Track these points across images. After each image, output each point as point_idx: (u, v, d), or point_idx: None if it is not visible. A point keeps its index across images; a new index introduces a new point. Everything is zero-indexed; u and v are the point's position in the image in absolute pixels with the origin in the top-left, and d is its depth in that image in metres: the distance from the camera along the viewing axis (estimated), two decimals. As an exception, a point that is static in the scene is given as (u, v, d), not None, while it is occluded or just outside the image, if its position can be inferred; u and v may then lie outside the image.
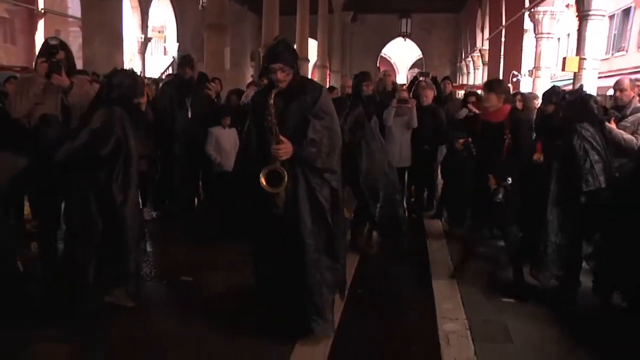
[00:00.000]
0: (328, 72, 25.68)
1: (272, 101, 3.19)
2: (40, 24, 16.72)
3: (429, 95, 7.09)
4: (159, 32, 24.16)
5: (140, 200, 4.98)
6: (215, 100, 7.37)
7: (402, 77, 39.70)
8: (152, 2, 19.39)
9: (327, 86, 15.84)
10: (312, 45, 23.45)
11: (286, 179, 3.19)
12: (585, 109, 4.35)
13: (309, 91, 3.35)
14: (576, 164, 4.12)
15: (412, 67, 40.08)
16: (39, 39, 16.42)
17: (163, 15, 21.58)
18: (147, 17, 18.92)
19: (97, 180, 3.81)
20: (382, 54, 34.00)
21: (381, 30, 30.44)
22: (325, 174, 3.35)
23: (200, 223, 6.43)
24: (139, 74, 11.44)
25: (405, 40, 29.72)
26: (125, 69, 4.89)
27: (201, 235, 5.87)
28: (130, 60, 19.27)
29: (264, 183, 3.19)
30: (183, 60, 6.55)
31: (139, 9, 18.31)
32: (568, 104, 4.43)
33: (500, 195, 4.40)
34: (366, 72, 6.02)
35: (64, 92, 4.16)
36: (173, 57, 21.18)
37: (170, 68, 20.72)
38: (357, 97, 5.58)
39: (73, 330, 3.63)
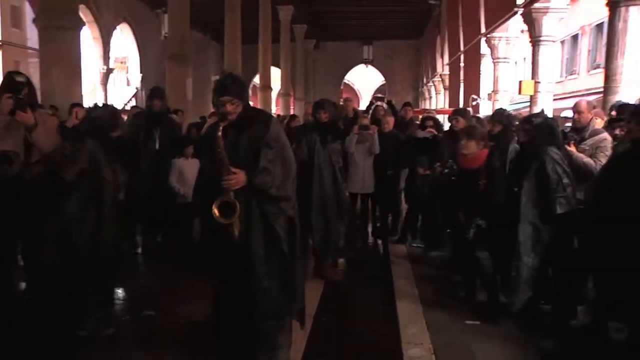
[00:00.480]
0: (292, 99, 25.86)
1: (219, 133, 3.20)
2: (-2, 56, 16.54)
3: (390, 122, 7.22)
4: (122, 62, 24.01)
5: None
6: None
7: (365, 103, 40.19)
8: (114, 33, 19.27)
9: (291, 113, 15.95)
10: (276, 73, 23.62)
11: (238, 210, 3.19)
12: (553, 132, 4.47)
13: (258, 122, 3.39)
14: (550, 187, 4.19)
15: (375, 92, 40.64)
16: (-3, 71, 16.26)
17: (125, 45, 21.45)
18: (109, 48, 18.75)
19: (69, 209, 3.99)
20: (345, 81, 34.48)
21: (344, 57, 30.92)
22: (280, 202, 3.36)
23: (165, 254, 6.34)
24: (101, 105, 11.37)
25: (367, 66, 30.23)
26: (106, 104, 4.97)
27: (166, 266, 5.78)
28: (92, 91, 19.07)
29: (217, 214, 3.18)
30: (153, 92, 6.52)
31: (100, 39, 18.15)
32: (536, 128, 4.47)
33: (471, 233, 4.45)
34: (323, 100, 6.11)
35: (28, 130, 4.05)
36: (136, 88, 21.03)
37: (134, 99, 20.56)
38: (314, 124, 5.73)
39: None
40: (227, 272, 3.44)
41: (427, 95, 28.64)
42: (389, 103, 8.23)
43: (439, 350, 3.86)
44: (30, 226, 4.08)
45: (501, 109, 6.46)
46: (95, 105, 4.69)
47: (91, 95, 17.71)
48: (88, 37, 17.79)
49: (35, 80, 7.83)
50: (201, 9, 16.36)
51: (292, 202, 3.44)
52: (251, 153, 3.30)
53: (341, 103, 7.80)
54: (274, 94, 23.18)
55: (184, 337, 4.06)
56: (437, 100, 25.04)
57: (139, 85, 20.59)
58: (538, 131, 4.45)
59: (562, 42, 22.68)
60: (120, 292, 5.08)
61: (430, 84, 26.86)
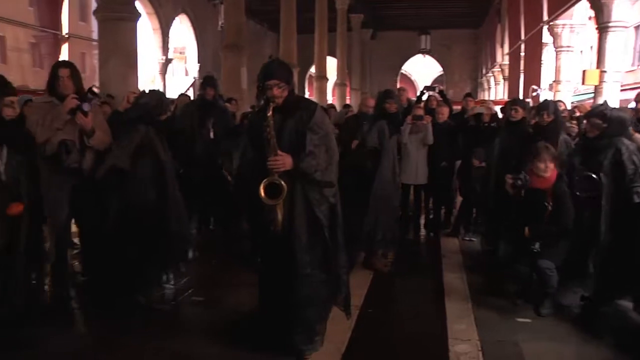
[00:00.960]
0: (348, 89, 25.72)
1: (269, 113, 3.23)
2: (65, 47, 17.20)
3: (444, 112, 7.05)
4: (180, 53, 24.50)
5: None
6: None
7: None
8: (173, 24, 19.70)
9: (346, 103, 15.83)
10: (332, 63, 23.54)
11: (285, 191, 3.21)
12: (624, 124, 4.38)
13: (303, 108, 3.41)
14: (626, 177, 4.12)
15: (432, 83, 39.97)
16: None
17: (184, 36, 21.89)
18: (168, 39, 19.21)
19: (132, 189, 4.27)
20: (402, 71, 33.96)
21: (401, 47, 30.43)
22: (324, 189, 3.36)
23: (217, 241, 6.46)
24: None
25: (424, 56, 29.67)
26: (153, 90, 5.08)
27: (218, 253, 5.90)
28: (152, 81, 19.60)
29: (263, 195, 3.21)
30: (205, 81, 6.50)
31: (160, 30, 18.61)
32: (609, 120, 4.32)
33: (537, 246, 4.26)
34: (390, 89, 6.00)
35: (86, 134, 4.17)
36: (194, 78, 21.43)
37: (192, 89, 21.00)
38: (380, 114, 5.62)
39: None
40: (270, 257, 3.49)
41: (485, 86, 27.87)
42: (440, 93, 8.00)
43: (486, 347, 3.74)
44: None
45: (547, 100, 6.20)
46: (143, 91, 4.82)
47: (151, 85, 18.18)
48: (148, 29, 18.28)
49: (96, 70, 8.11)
50: (258, -1, 16.50)
51: (334, 189, 3.43)
52: (296, 138, 3.32)
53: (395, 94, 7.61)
54: (330, 84, 23.09)
55: (225, 326, 4.08)
56: (496, 91, 24.33)
57: (196, 75, 20.98)
58: (610, 123, 4.31)
59: (636, 28, 21.48)
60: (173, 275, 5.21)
61: (490, 74, 26.10)
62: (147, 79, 19.48)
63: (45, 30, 16.43)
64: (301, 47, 17.82)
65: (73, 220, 4.69)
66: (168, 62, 19.35)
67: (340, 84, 23.54)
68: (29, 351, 3.59)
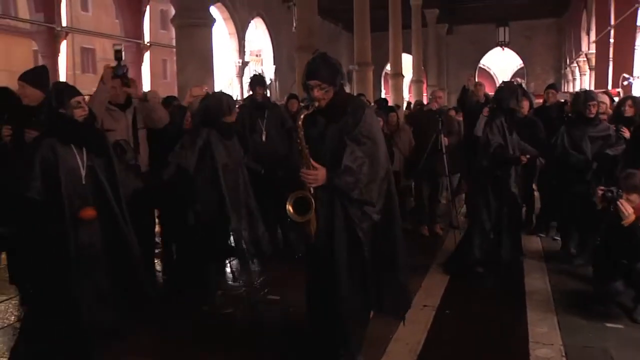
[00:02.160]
0: (425, 86, 25.32)
1: (300, 123, 2.94)
2: (147, 55, 18.12)
3: (525, 106, 6.74)
4: (257, 55, 25.04)
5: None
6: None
7: (502, 88, 38.18)
8: (249, 27, 20.17)
9: (427, 101, 15.41)
10: (407, 60, 23.25)
11: (312, 207, 2.93)
12: None
13: (350, 111, 3.05)
14: None
15: (512, 77, 38.56)
16: (145, 70, 17.89)
17: (259, 39, 22.35)
18: (244, 42, 19.70)
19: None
20: (480, 65, 32.96)
21: (478, 40, 29.55)
22: (365, 206, 3.03)
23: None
24: (235, 97, 11.86)
25: (503, 49, 28.65)
26: (216, 92, 5.20)
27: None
28: (229, 84, 20.17)
29: (291, 211, 2.95)
30: (254, 80, 6.09)
31: (235, 35, 19.11)
32: None
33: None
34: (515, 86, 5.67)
35: (141, 101, 4.56)
36: (270, 80, 21.84)
37: (268, 90, 21.41)
38: (501, 110, 5.28)
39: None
40: (314, 270, 3.25)
41: (570, 77, 26.49)
42: (519, 87, 7.66)
43: (571, 352, 3.52)
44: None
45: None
46: (207, 94, 4.91)
47: (228, 88, 18.70)
48: (224, 33, 18.81)
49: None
50: (332, -1, 16.54)
51: (378, 207, 3.07)
52: (339, 147, 2.99)
53: (471, 88, 7.37)
54: (406, 81, 22.81)
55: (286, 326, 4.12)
56: (581, 81, 23.06)
57: (272, 76, 21.35)
58: None
59: None
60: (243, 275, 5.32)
61: (574, 64, 24.79)
62: (225, 82, 20.05)
63: (129, 40, 17.35)
64: (376, 45, 17.72)
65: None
66: (245, 64, 19.83)
67: (416, 81, 23.24)
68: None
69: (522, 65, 31.59)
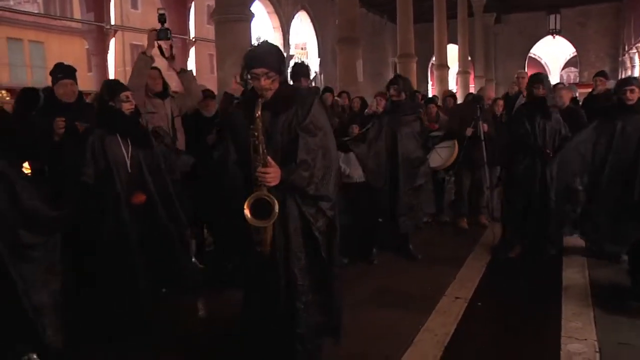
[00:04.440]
0: (472, 77, 24.82)
1: (259, 113, 2.61)
2: (192, 50, 18.56)
3: (566, 97, 6.58)
4: (302, 48, 25.15)
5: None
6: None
7: (554, 78, 37.00)
8: (294, 21, 20.30)
9: (473, 92, 15.08)
10: (454, 51, 22.85)
11: (276, 209, 2.61)
12: None
13: (298, 101, 2.78)
14: None
15: (565, 66, 37.25)
16: (191, 65, 18.36)
17: (304, 32, 22.44)
18: (289, 36, 19.84)
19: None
20: (530, 54, 31.99)
21: (528, 29, 28.63)
22: (320, 202, 2.81)
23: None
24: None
25: (554, 37, 27.72)
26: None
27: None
28: (275, 78, 20.36)
29: (249, 215, 2.62)
30: (297, 70, 5.57)
31: (280, 29, 19.27)
32: None
33: None
34: (540, 74, 5.57)
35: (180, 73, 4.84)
36: (315, 72, 21.91)
37: (313, 82, 21.49)
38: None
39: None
40: (259, 284, 2.91)
41: (628, 64, 25.38)
42: None
43: (605, 349, 3.44)
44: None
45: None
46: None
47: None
48: (269, 27, 19.00)
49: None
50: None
51: (332, 202, 2.87)
52: (287, 141, 2.74)
53: (513, 80, 7.23)
54: (452, 73, 22.44)
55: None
56: None
57: (317, 69, 21.43)
58: None
59: None
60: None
61: (634, 50, 23.72)
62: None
63: (175, 36, 17.82)
64: (421, 37, 17.48)
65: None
66: (290, 58, 19.99)
67: (463, 72, 22.80)
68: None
69: (575, 53, 30.48)
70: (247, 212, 2.61)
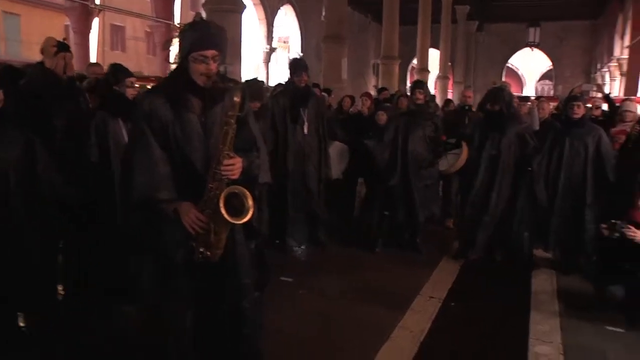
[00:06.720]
0: (450, 83, 25.16)
1: (237, 99, 2.35)
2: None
3: (547, 109, 6.86)
4: (284, 42, 25.16)
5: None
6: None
7: (529, 90, 37.81)
8: (278, 14, 20.30)
9: (447, 98, 15.28)
10: (434, 55, 23.10)
11: (250, 201, 2.35)
12: None
13: (231, 89, 2.48)
14: None
15: (540, 79, 38.09)
16: (174, 50, 18.08)
17: (288, 26, 22.46)
18: (273, 29, 19.85)
19: None
20: (508, 65, 32.64)
21: (508, 39, 29.25)
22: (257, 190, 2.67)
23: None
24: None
25: (532, 50, 28.32)
26: (249, 79, 5.33)
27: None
28: (256, 69, 20.36)
29: (224, 213, 2.34)
30: (296, 65, 5.42)
31: (265, 20, 19.29)
32: None
33: None
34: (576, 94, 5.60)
35: None
36: (296, 67, 21.99)
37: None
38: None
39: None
40: (195, 290, 2.58)
41: (600, 82, 26.14)
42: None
43: (569, 352, 3.63)
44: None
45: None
46: (246, 80, 5.09)
47: (255, 73, 18.89)
48: (254, 19, 18.97)
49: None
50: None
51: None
52: (221, 133, 2.41)
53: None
54: (432, 77, 22.73)
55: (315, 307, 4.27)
56: (611, 87, 22.76)
57: (299, 64, 21.51)
58: None
59: None
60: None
61: (605, 69, 24.45)
62: (252, 67, 20.24)
63: (159, 20, 17.67)
64: (404, 39, 17.59)
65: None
66: (272, 51, 19.99)
67: (442, 77, 23.11)
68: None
69: (551, 66, 31.21)
70: (222, 209, 2.33)
